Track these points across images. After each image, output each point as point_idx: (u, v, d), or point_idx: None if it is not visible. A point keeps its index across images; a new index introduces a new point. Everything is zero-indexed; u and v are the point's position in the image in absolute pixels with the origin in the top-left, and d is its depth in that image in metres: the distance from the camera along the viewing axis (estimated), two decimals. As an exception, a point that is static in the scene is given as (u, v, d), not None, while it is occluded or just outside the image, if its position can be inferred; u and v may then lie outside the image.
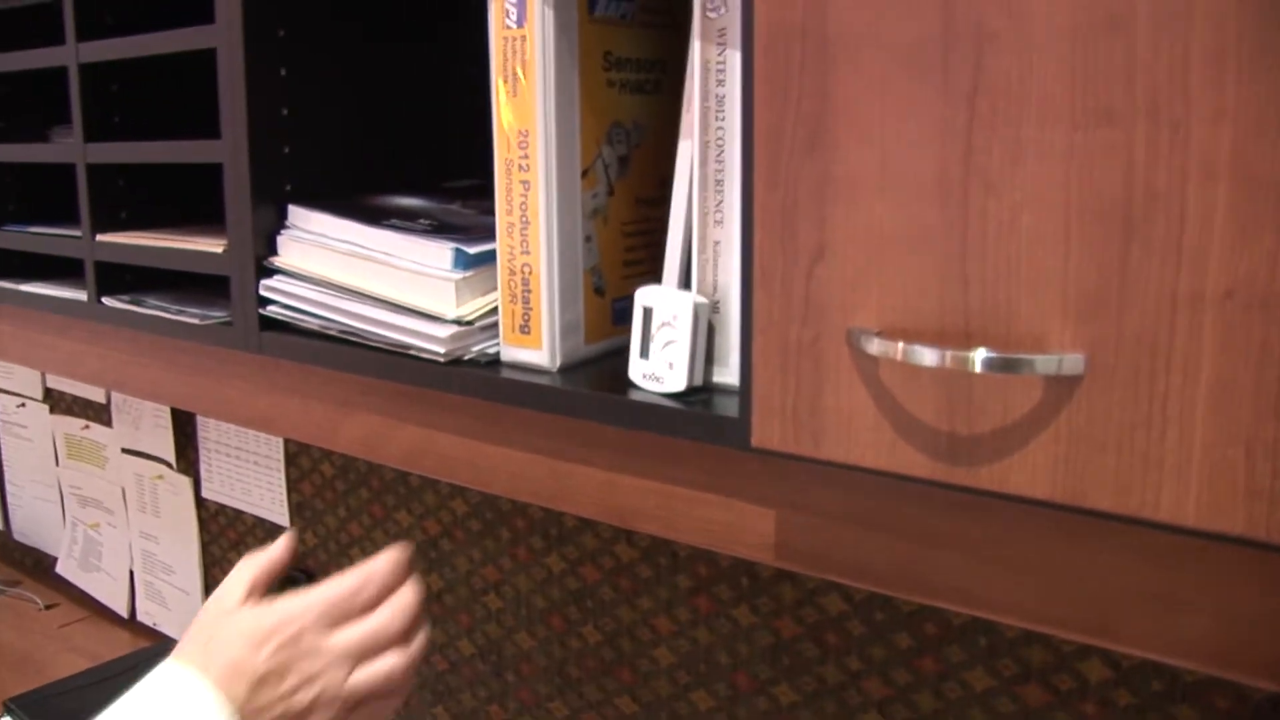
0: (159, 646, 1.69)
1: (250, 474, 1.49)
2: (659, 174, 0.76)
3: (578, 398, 0.66)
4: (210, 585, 1.62)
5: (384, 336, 0.76)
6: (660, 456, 0.66)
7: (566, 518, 1.14)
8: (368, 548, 1.35)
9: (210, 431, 1.55)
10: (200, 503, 1.59)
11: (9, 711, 1.49)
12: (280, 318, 0.83)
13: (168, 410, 1.58)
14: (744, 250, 0.56)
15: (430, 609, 1.30)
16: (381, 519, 1.33)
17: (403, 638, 0.69)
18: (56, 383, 1.84)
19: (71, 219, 1.12)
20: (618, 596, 1.11)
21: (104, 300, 1.01)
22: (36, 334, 1.15)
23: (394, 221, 0.78)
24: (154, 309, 0.97)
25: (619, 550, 1.10)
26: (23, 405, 1.95)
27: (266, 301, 0.84)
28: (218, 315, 0.91)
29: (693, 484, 0.65)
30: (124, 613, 1.79)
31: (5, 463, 2.04)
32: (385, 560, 0.70)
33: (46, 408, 1.89)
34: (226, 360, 0.93)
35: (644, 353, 0.67)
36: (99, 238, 1.01)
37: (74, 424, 1.82)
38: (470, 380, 0.71)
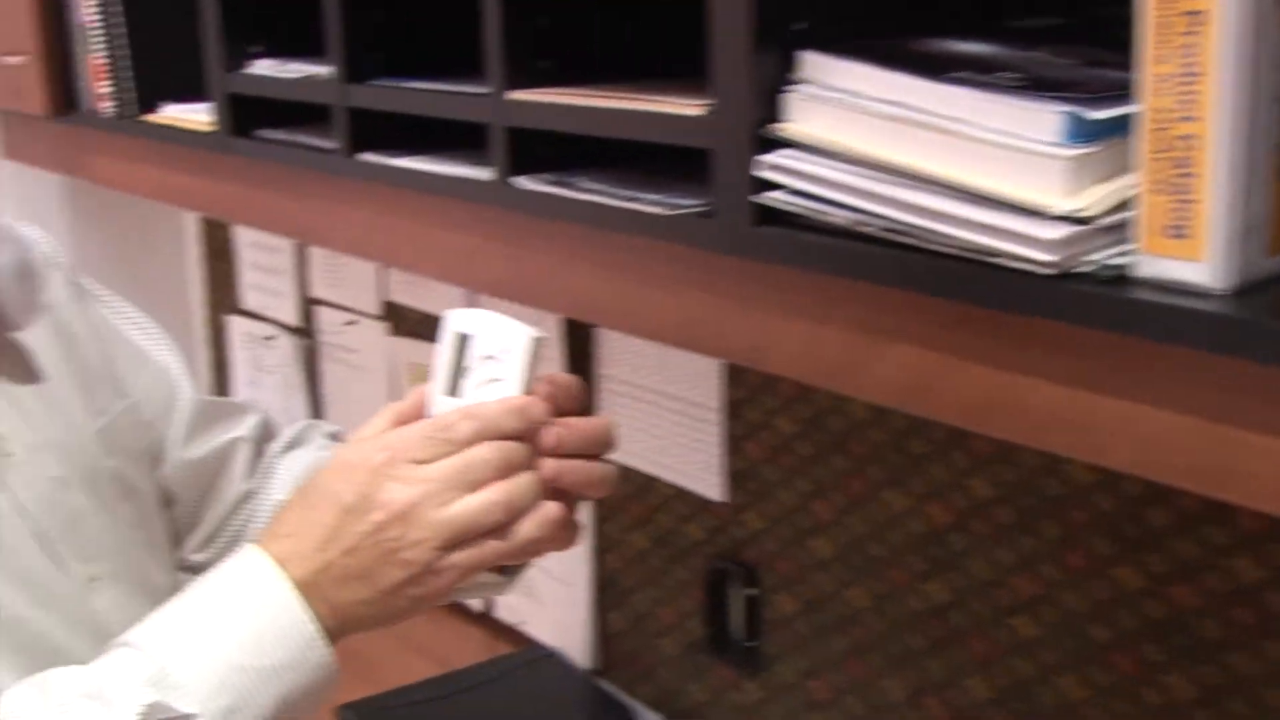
0: (524, 655, 1.84)
1: (670, 427, 1.59)
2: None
3: (1274, 335, 0.65)
4: (598, 575, 1.74)
5: (951, 237, 0.78)
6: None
7: (1155, 512, 1.13)
8: (838, 537, 1.41)
9: (616, 365, 1.65)
10: (595, 462, 1.70)
11: (341, 721, 1.69)
12: (786, 207, 0.88)
13: (555, 328, 1.70)
14: None
15: (929, 626, 1.33)
16: (861, 498, 1.38)
17: (505, 472, 0.85)
18: (401, 294, 2.03)
19: (459, 73, 1.22)
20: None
21: (516, 181, 1.10)
22: (413, 224, 1.27)
23: (962, 74, 0.80)
24: (590, 193, 1.04)
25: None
26: (353, 322, 2.16)
27: (766, 185, 0.89)
28: (689, 203, 0.97)
29: None
30: (477, 606, 1.96)
31: (326, 398, 2.28)
32: (503, 402, 0.88)
33: (385, 327, 2.09)
34: (694, 265, 0.99)
35: None
36: (510, 95, 1.09)
37: (421, 349, 2.01)
38: (1089, 303, 0.72)
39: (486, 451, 0.85)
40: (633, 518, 1.67)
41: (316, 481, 0.87)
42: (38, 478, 0.97)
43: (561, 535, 0.89)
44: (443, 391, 0.91)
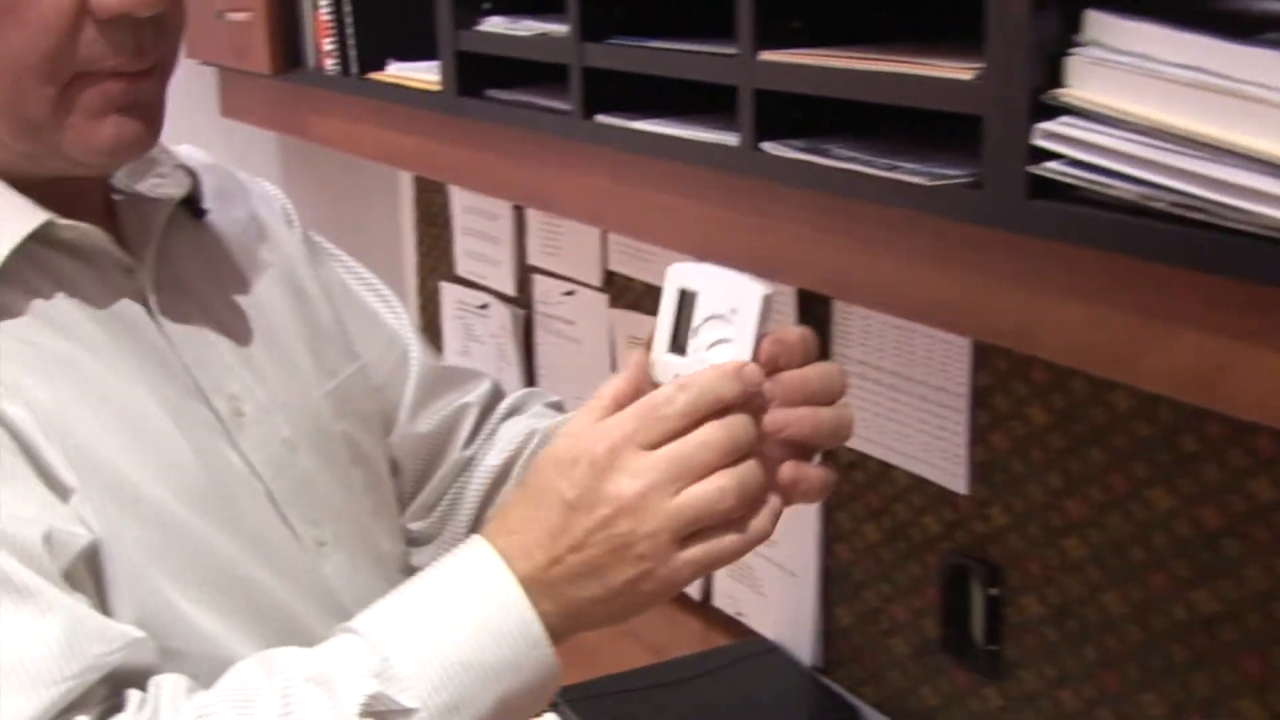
0: (744, 647, 1.85)
1: (912, 412, 1.58)
2: None
3: None
4: (826, 567, 1.74)
5: (1254, 215, 0.76)
6: None
7: None
8: (1093, 537, 1.39)
9: (853, 344, 1.65)
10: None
11: (552, 706, 1.72)
12: (1064, 179, 0.86)
13: (791, 306, 1.70)
14: None
15: (1194, 639, 1.30)
16: (1123, 496, 1.35)
17: (733, 453, 0.86)
18: (623, 264, 2.05)
19: (694, 32, 1.22)
20: None
21: (765, 147, 1.11)
22: (651, 191, 1.29)
23: (1273, 35, 0.78)
24: (845, 160, 1.04)
25: None
26: (570, 293, 2.19)
27: (1041, 155, 0.87)
28: (955, 173, 0.96)
29: None
30: (695, 595, 1.98)
31: (541, 371, 2.31)
32: (718, 368, 0.88)
33: (605, 298, 2.11)
34: (956, 239, 0.98)
35: None
36: (762, 56, 1.09)
37: (642, 322, 2.03)
38: None
39: (711, 433, 0.86)
40: (866, 507, 1.67)
41: (539, 476, 0.88)
42: (269, 439, 1.01)
43: (809, 489, 0.89)
44: (666, 350, 0.91)
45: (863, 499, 1.67)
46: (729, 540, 0.87)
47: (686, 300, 0.90)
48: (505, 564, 0.86)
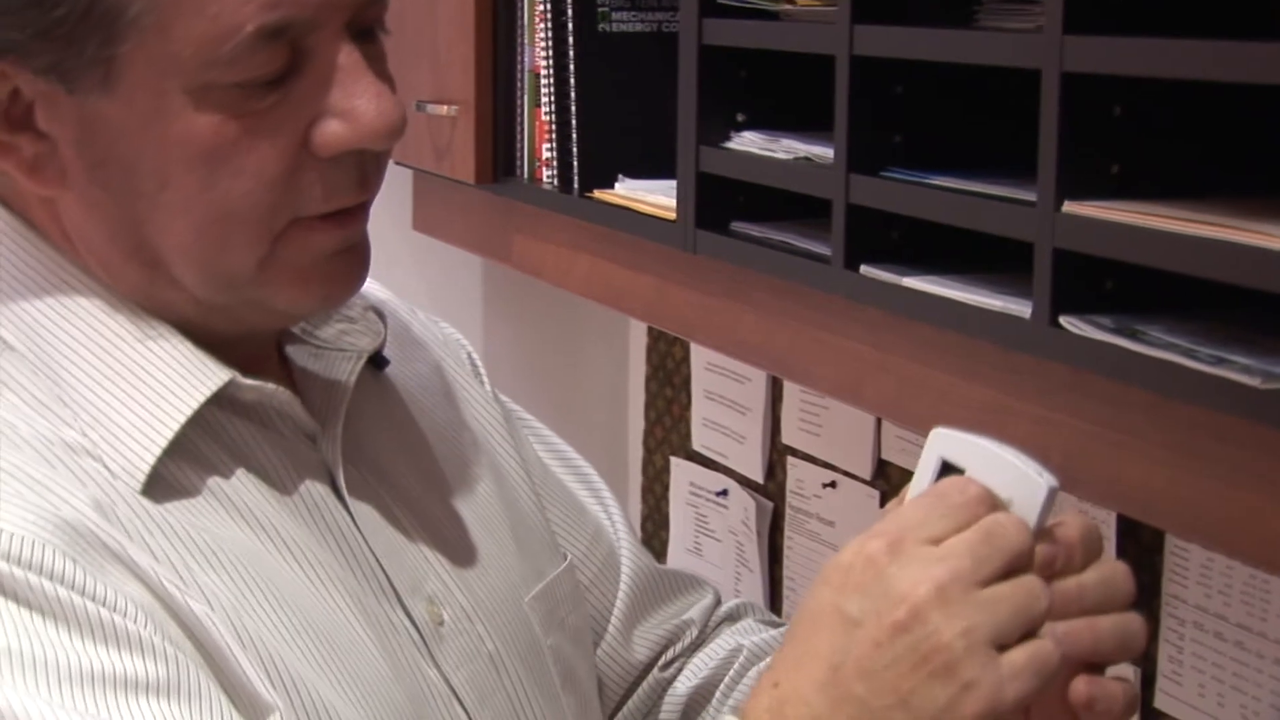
0: None
1: (1266, 680, 1.54)
2: None
3: None
4: None
5: None
6: None
7: None
8: None
9: (1189, 586, 1.62)
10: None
11: None
12: None
13: (1111, 530, 1.69)
14: None
15: None
16: None
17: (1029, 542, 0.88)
18: (899, 453, 2.05)
19: (993, 168, 1.25)
20: None
21: (1064, 322, 1.11)
22: (919, 366, 1.30)
23: None
24: (1164, 349, 1.04)
25: None
26: (832, 484, 2.20)
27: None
28: (1291, 373, 0.96)
29: None
30: None
31: (788, 580, 2.31)
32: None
33: (875, 495, 2.11)
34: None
35: None
36: (1067, 207, 1.11)
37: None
38: None
39: (1008, 521, 0.88)
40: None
41: (802, 609, 0.89)
42: (472, 654, 1.04)
43: (1110, 707, 0.90)
44: None
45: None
46: (1048, 645, 0.87)
47: (949, 476, 0.93)
48: None
